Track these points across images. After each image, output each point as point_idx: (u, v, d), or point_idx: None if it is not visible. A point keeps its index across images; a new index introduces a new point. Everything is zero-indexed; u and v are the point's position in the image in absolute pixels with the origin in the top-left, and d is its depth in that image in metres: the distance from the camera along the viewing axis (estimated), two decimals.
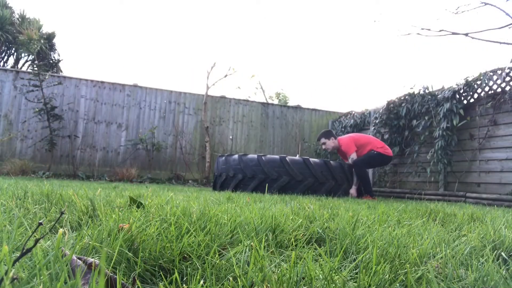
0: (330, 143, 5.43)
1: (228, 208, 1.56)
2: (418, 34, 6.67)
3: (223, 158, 4.95)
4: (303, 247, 1.16)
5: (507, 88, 5.00)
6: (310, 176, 4.61)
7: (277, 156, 4.75)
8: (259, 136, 9.19)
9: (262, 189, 4.49)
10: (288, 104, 12.42)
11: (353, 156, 5.21)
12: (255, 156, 4.77)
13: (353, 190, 5.07)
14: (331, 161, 4.96)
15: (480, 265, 0.94)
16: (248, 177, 4.59)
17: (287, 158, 4.70)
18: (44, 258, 0.70)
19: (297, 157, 4.82)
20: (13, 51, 11.77)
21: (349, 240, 1.15)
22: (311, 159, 4.81)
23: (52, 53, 12.07)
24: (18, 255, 0.61)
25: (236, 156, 4.86)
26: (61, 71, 12.17)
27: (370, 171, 7.54)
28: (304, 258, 0.92)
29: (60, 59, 12.29)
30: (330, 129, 5.43)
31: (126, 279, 0.80)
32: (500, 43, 5.95)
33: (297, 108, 9.80)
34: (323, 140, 5.46)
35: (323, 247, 1.17)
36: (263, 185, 4.50)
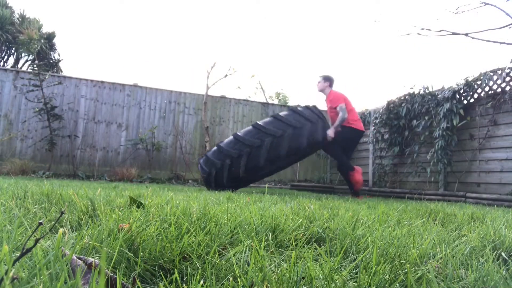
0: (322, 84, 5.45)
1: (228, 208, 1.56)
2: (418, 34, 6.68)
3: (204, 157, 4.95)
4: (303, 247, 1.16)
5: (507, 88, 5.00)
6: (287, 127, 4.66)
7: (249, 126, 4.82)
8: None
9: (254, 161, 4.53)
10: (288, 104, 12.40)
11: (343, 106, 5.12)
12: (231, 137, 4.81)
13: (330, 131, 5.02)
14: (298, 107, 5.05)
15: (480, 265, 0.94)
16: (235, 157, 4.57)
17: (259, 122, 4.79)
18: (44, 258, 0.70)
19: (267, 119, 4.92)
20: (13, 51, 11.76)
21: (349, 240, 1.15)
22: (280, 113, 4.91)
23: (52, 53, 12.06)
24: (18, 255, 0.61)
25: (214, 148, 4.89)
26: (61, 71, 12.16)
27: (370, 168, 7.55)
28: (304, 258, 0.92)
29: (60, 59, 12.28)
30: (333, 78, 5.47)
31: (126, 279, 0.80)
32: (500, 43, 5.95)
33: (298, 107, 9.79)
34: (319, 79, 5.50)
35: (323, 247, 1.17)
36: (252, 157, 4.53)
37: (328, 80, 5.46)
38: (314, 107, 5.18)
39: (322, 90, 5.47)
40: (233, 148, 4.60)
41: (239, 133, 4.75)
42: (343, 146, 5.33)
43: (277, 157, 4.63)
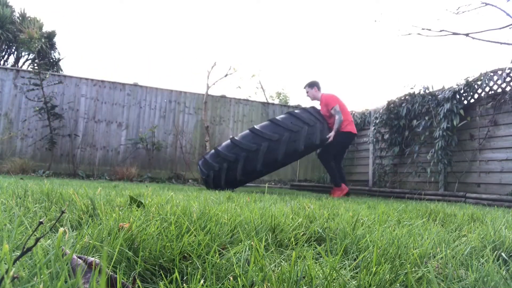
0: (312, 93, 5.54)
1: (228, 207, 1.56)
2: (418, 34, 6.67)
3: (203, 159, 4.98)
4: (303, 245, 1.16)
5: (508, 88, 4.99)
6: (284, 131, 4.69)
7: (246, 130, 4.85)
8: None
9: (251, 165, 4.57)
10: (288, 104, 12.41)
11: (337, 108, 5.21)
12: (228, 141, 4.85)
13: (330, 135, 5.11)
14: (295, 110, 5.09)
15: (480, 265, 0.94)
16: (232, 161, 4.61)
17: (256, 127, 4.84)
18: (45, 257, 0.70)
19: (264, 123, 4.95)
20: (13, 50, 11.76)
21: (350, 240, 1.15)
22: (278, 117, 4.95)
23: (52, 52, 12.05)
24: (18, 254, 0.61)
25: (212, 151, 4.94)
26: (62, 70, 12.16)
27: (370, 168, 7.55)
28: (305, 257, 0.92)
29: (60, 58, 12.28)
30: (316, 81, 5.61)
31: (127, 279, 0.80)
32: (501, 43, 5.95)
33: (298, 107, 9.80)
34: (306, 89, 5.60)
35: (323, 246, 1.17)
36: (249, 161, 4.58)
37: (314, 85, 5.56)
38: (313, 108, 5.24)
39: (315, 98, 5.56)
40: (230, 152, 4.64)
41: (236, 137, 4.79)
42: (336, 151, 5.45)
43: (274, 161, 4.67)
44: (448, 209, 2.45)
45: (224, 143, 4.90)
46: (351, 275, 0.87)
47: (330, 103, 5.28)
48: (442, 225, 1.79)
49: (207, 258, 0.85)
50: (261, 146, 4.56)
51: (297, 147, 4.71)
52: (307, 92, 5.59)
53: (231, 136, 5.09)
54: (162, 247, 0.90)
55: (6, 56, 11.83)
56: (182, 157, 8.39)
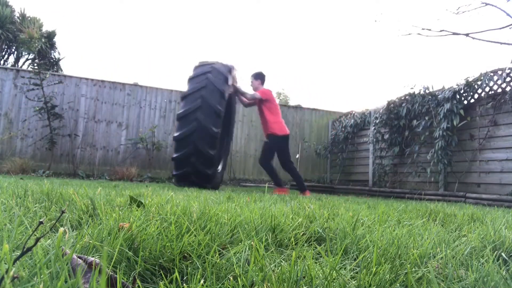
0: (255, 83, 5.74)
1: (228, 207, 1.56)
2: (418, 34, 6.69)
3: (173, 164, 4.98)
4: (303, 245, 1.16)
5: (508, 88, 4.99)
6: (199, 91, 4.88)
7: (176, 123, 5.03)
8: (259, 136, 9.18)
9: (206, 133, 4.67)
10: (288, 104, 12.41)
11: (257, 95, 5.49)
12: (176, 122, 5.00)
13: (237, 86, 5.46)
14: (190, 76, 5.22)
15: (480, 265, 0.94)
16: (190, 134, 4.67)
17: (178, 113, 4.99)
18: (45, 257, 0.70)
19: (180, 104, 5.08)
20: (13, 50, 11.76)
21: (350, 240, 1.15)
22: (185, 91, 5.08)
23: (52, 51, 12.03)
24: (18, 254, 0.61)
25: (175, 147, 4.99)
26: (62, 70, 12.14)
27: (370, 168, 7.55)
28: (305, 257, 0.92)
29: (60, 58, 12.26)
30: (263, 74, 5.87)
31: (127, 278, 0.80)
32: (501, 43, 5.95)
33: (298, 108, 9.79)
34: (251, 78, 5.80)
35: (323, 246, 1.17)
36: (202, 130, 4.67)
37: (259, 77, 5.75)
38: (200, 62, 5.50)
39: (256, 89, 5.72)
40: (185, 128, 4.72)
41: (176, 134, 4.90)
42: (272, 154, 5.68)
43: (217, 116, 4.80)
44: (448, 209, 2.45)
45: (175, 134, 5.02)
46: (351, 275, 0.87)
47: (262, 93, 5.52)
48: (442, 225, 1.79)
49: (207, 258, 0.85)
50: (197, 120, 4.70)
51: (220, 91, 4.90)
52: (251, 82, 5.77)
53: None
54: (162, 247, 0.90)
55: (6, 56, 11.82)
56: None
